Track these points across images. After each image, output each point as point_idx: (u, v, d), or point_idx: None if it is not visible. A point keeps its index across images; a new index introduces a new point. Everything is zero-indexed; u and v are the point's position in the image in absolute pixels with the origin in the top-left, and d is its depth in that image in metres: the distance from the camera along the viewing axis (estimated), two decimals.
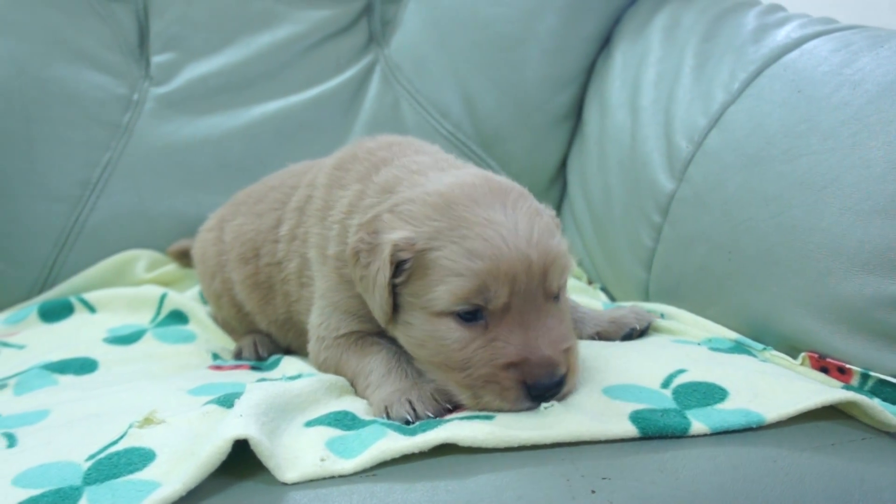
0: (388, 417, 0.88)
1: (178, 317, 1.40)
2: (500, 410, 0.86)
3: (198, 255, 1.35)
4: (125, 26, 1.66)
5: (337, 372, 1.02)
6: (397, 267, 0.88)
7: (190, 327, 1.37)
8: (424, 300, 0.87)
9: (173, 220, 1.62)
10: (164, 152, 1.63)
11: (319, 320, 1.06)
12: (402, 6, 1.73)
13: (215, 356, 1.27)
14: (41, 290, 1.58)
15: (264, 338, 1.28)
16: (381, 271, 0.88)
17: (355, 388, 0.99)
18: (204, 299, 1.48)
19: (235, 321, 1.32)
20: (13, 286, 1.58)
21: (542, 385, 0.84)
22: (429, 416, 0.86)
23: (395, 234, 0.88)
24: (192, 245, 1.53)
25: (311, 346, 1.08)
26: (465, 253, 0.84)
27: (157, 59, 1.66)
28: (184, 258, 1.59)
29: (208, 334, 1.35)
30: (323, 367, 1.06)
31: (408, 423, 0.86)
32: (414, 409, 0.87)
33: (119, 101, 1.63)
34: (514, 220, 0.87)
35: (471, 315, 0.86)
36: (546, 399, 0.85)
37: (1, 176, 1.57)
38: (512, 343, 0.85)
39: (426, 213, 0.88)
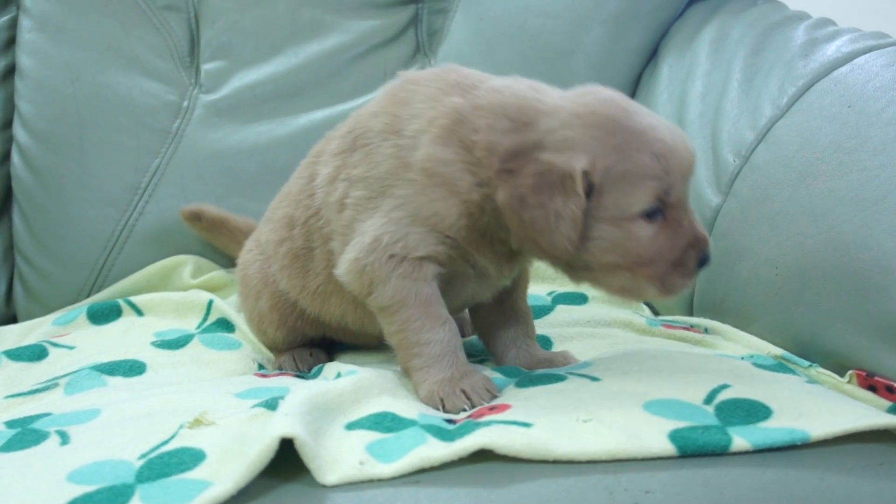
0: (444, 409, 0.91)
1: (225, 325, 1.41)
2: (682, 291, 0.97)
3: (240, 277, 1.34)
4: (177, 34, 1.69)
5: (398, 311, 0.99)
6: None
7: (236, 336, 1.38)
8: (616, 210, 0.93)
9: None
10: (213, 159, 1.65)
11: (394, 236, 0.98)
12: (450, 17, 1.74)
13: (260, 366, 1.28)
14: (90, 293, 1.61)
15: (303, 352, 1.28)
16: (571, 204, 0.91)
17: (393, 342, 0.99)
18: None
19: (281, 336, 1.28)
20: (63, 288, 1.62)
21: (709, 256, 0.96)
22: (483, 405, 0.89)
23: (578, 163, 0.91)
24: (207, 209, 1.57)
25: (369, 257, 0.99)
26: (652, 157, 0.92)
27: (206, 67, 1.69)
28: (195, 221, 1.60)
29: (253, 344, 1.36)
30: (384, 296, 1.00)
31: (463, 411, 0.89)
32: (469, 399, 0.90)
33: (169, 108, 1.66)
34: (663, 122, 0.96)
35: (653, 212, 0.93)
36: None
37: (53, 179, 1.61)
38: (685, 226, 0.95)
39: (592, 134, 0.92)
